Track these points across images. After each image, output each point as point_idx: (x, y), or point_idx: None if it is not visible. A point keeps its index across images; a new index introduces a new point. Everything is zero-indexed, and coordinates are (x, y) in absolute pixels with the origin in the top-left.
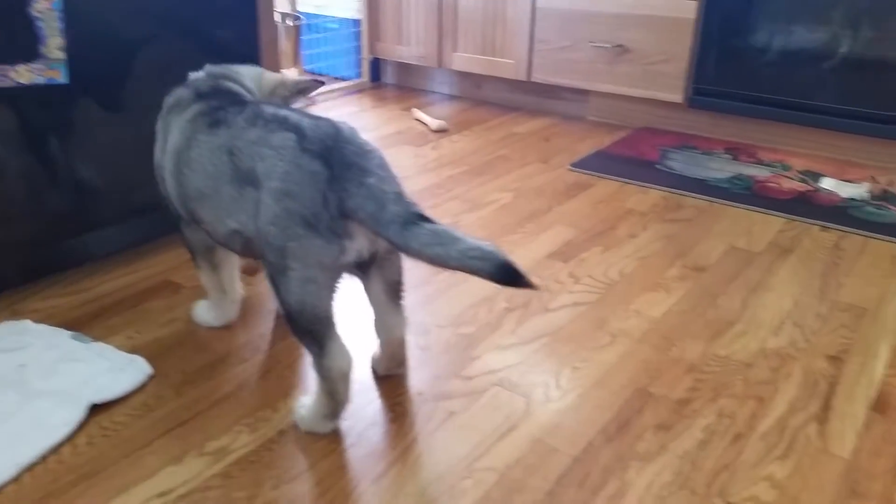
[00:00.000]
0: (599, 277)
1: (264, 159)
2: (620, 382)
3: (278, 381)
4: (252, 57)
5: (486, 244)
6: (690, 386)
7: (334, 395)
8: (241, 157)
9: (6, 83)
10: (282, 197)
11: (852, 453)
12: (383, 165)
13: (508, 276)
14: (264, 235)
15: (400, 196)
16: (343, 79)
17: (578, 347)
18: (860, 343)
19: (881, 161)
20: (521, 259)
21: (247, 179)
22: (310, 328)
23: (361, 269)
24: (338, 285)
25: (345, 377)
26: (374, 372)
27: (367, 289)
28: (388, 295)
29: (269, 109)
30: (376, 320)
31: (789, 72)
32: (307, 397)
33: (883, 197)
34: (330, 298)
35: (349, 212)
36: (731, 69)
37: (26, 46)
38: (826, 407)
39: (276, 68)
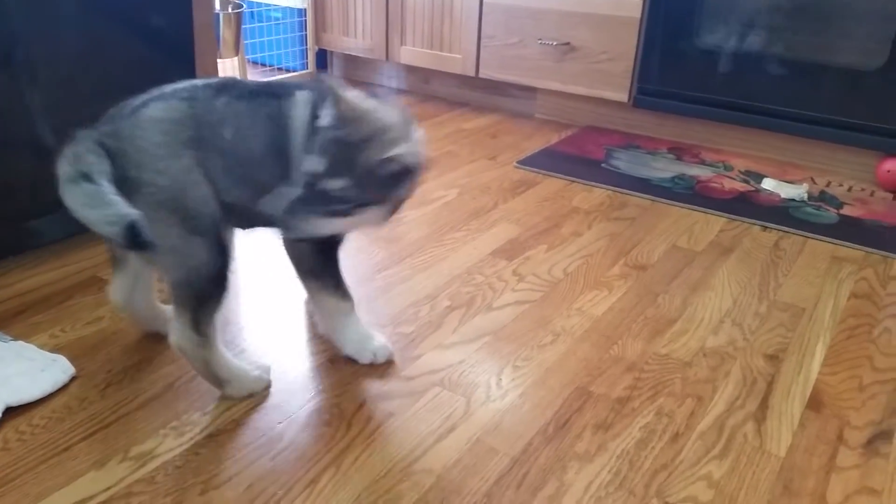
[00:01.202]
0: (543, 276)
1: None
2: (561, 381)
3: (207, 383)
4: (186, 45)
5: (128, 211)
6: (630, 384)
7: None
8: None
9: None
10: None
11: (788, 451)
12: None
13: (134, 239)
14: None
15: (77, 155)
16: (288, 70)
17: (520, 346)
18: (797, 342)
19: (820, 163)
20: (465, 257)
21: None
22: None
23: None
24: None
25: None
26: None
27: None
28: None
29: None
30: None
31: (733, 73)
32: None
33: (821, 198)
34: None
35: None
36: (676, 70)
37: None
38: (763, 406)
39: (212, 57)
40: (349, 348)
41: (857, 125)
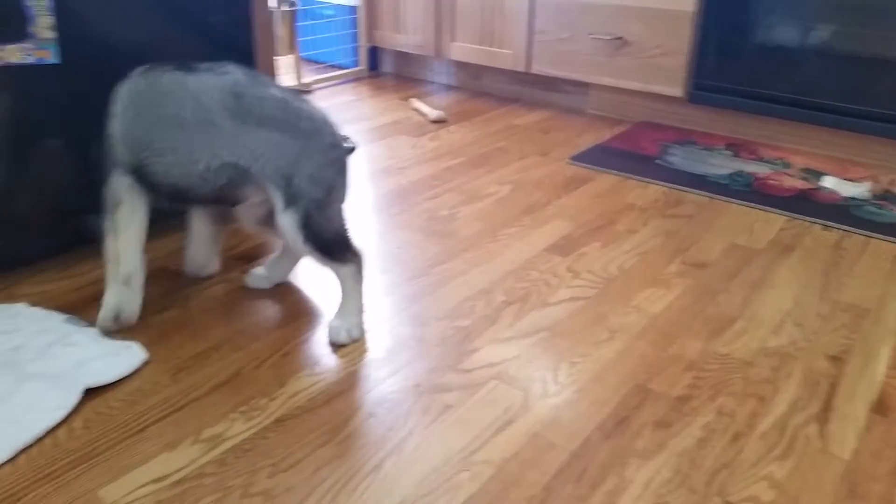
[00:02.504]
0: (599, 272)
1: None
2: (619, 378)
3: (273, 369)
4: (245, 41)
5: None
6: (690, 383)
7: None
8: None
9: None
10: None
11: (852, 454)
12: None
13: None
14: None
15: None
16: (340, 67)
17: (577, 342)
18: (861, 343)
19: (883, 160)
20: (519, 253)
21: None
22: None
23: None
24: None
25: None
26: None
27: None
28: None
29: None
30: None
31: (792, 68)
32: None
33: (884, 196)
34: None
35: None
36: (733, 64)
37: (16, 27)
38: (827, 407)
39: (270, 54)
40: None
41: None
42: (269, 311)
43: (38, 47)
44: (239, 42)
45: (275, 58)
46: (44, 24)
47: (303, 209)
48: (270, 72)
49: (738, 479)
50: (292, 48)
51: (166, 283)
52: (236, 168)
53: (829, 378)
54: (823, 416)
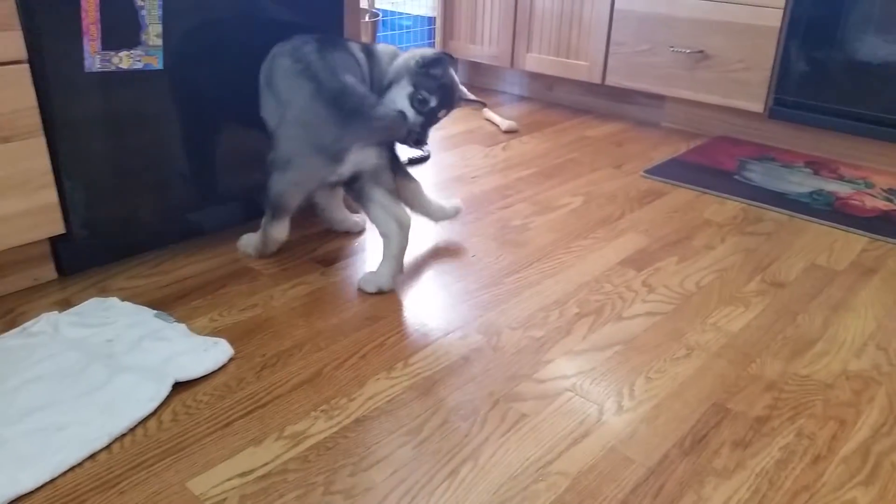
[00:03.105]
0: (675, 288)
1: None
2: (697, 396)
3: (352, 370)
4: None
5: None
6: (769, 404)
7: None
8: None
9: (109, 67)
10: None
11: None
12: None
13: None
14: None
15: None
16: None
17: (653, 358)
18: None
19: None
20: (593, 265)
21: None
22: (275, 208)
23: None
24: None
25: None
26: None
27: (364, 197)
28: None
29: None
30: (381, 216)
31: (875, 85)
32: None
33: None
34: (301, 199)
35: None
36: (815, 80)
37: (129, 33)
38: None
39: None
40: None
41: None
42: (346, 313)
43: (146, 54)
44: None
45: None
46: (153, 32)
47: None
48: None
49: (819, 503)
50: None
51: (250, 282)
52: None
53: None
54: None
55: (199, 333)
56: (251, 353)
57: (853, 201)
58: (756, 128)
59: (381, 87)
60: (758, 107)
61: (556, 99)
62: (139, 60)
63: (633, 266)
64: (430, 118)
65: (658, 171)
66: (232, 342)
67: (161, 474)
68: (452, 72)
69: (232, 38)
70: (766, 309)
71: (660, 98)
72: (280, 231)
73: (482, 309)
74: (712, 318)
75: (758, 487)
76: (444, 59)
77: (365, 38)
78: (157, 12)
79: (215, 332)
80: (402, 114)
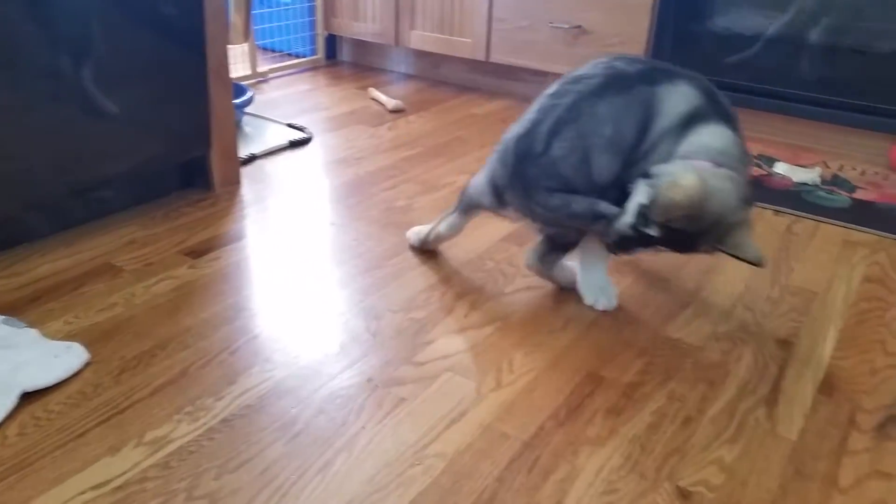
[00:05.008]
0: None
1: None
2: (572, 366)
3: (221, 367)
4: (195, 31)
5: None
6: (641, 369)
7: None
8: None
9: None
10: None
11: (799, 435)
12: None
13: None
14: None
15: None
16: (297, 55)
17: (531, 332)
18: (809, 326)
19: (833, 146)
20: (476, 243)
21: None
22: (459, 200)
23: None
24: None
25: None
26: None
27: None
28: None
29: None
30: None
31: (745, 56)
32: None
33: (833, 182)
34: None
35: None
36: (688, 53)
37: None
38: (775, 390)
39: (223, 43)
40: (583, 287)
41: (871, 108)
42: (216, 307)
43: None
44: (189, 32)
45: (228, 47)
46: None
47: None
48: (223, 62)
49: (688, 464)
50: (247, 36)
51: (110, 280)
52: None
53: (778, 361)
54: (772, 398)
55: (53, 338)
56: (109, 356)
57: None
58: None
59: (654, 152)
60: None
61: (443, 77)
62: None
63: (515, 241)
64: (639, 241)
65: None
66: (88, 346)
67: (2, 495)
68: (717, 219)
69: (78, 14)
70: (639, 276)
71: (543, 74)
72: (446, 226)
73: (363, 294)
74: None
75: (630, 453)
76: (706, 199)
77: (237, 18)
78: None
79: (70, 336)
80: (606, 205)
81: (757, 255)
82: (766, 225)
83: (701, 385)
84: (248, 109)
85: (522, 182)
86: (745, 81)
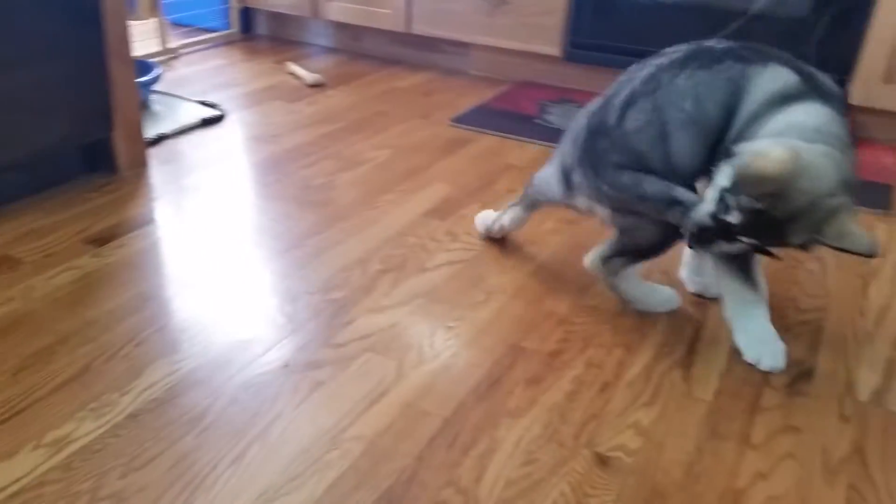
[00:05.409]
0: (477, 234)
1: None
2: (493, 339)
3: (126, 360)
4: (92, 5)
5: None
6: (561, 338)
7: None
8: None
9: None
10: None
11: (714, 395)
12: None
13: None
14: None
15: None
16: (210, 30)
17: (453, 307)
18: None
19: None
20: (398, 219)
21: None
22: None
23: None
24: None
25: None
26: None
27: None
28: None
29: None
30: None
31: (662, 23)
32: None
33: None
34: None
35: None
36: (607, 22)
37: None
38: (691, 351)
39: (122, 18)
40: (741, 341)
41: None
42: (122, 297)
43: None
44: (85, 7)
45: (133, 23)
46: None
47: None
48: (123, 39)
49: (606, 429)
50: (154, 11)
51: (7, 273)
52: None
53: (693, 322)
54: (688, 360)
55: None
56: (6, 354)
57: None
58: (556, 71)
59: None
60: (555, 50)
61: (364, 50)
62: None
63: (436, 216)
64: (720, 233)
65: (464, 120)
66: None
67: None
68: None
69: None
70: (560, 246)
71: (465, 46)
72: (510, 219)
73: (279, 276)
74: (511, 260)
75: (549, 421)
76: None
77: None
78: None
79: None
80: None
81: (869, 246)
82: None
83: (618, 350)
84: (156, 87)
85: (591, 158)
86: (661, 48)
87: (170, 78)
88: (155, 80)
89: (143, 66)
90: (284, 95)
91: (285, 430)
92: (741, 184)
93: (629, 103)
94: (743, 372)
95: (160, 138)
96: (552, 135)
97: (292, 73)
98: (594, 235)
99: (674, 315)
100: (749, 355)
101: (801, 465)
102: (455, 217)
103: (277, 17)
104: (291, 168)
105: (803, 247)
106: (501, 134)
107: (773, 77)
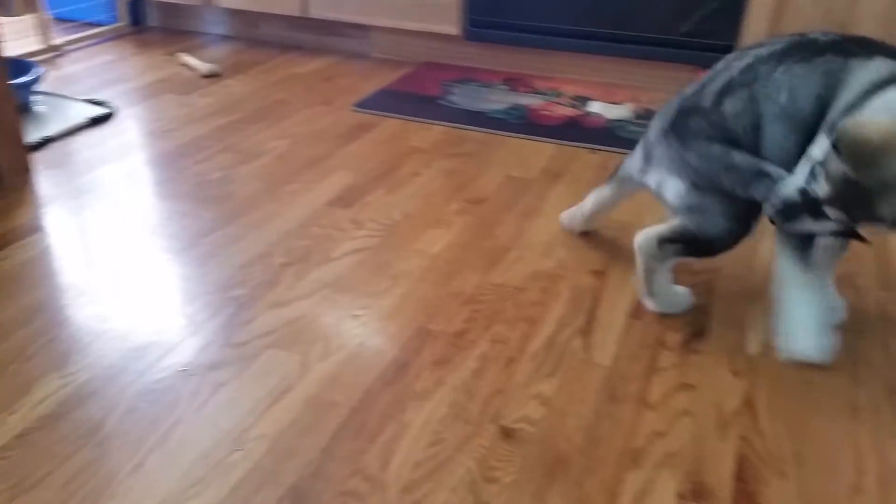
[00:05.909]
0: (382, 220)
1: None
2: (400, 325)
3: (13, 378)
4: None
5: None
6: (467, 317)
7: None
8: None
9: None
10: None
11: (613, 360)
12: None
13: None
14: None
15: None
16: (98, 24)
17: (359, 295)
18: (621, 255)
19: (643, 82)
20: (300, 210)
21: None
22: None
23: None
24: None
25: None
26: None
27: None
28: None
29: None
30: None
31: (556, 0)
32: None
33: (645, 115)
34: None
35: None
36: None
37: None
38: (590, 319)
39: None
40: (786, 328)
41: (676, 41)
42: (9, 311)
43: None
44: None
45: (7, 19)
46: None
47: None
48: None
49: (510, 403)
50: (33, 6)
51: None
52: None
53: (592, 292)
54: (587, 328)
55: None
56: None
57: (544, 112)
58: (457, 51)
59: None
60: (454, 30)
61: (262, 37)
62: None
63: (340, 205)
64: (808, 209)
65: (367, 104)
66: None
67: None
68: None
69: None
70: (465, 227)
71: (365, 28)
72: (592, 200)
73: (178, 277)
74: (416, 244)
75: (455, 400)
76: None
77: None
78: None
79: None
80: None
81: None
82: (581, 164)
83: (522, 324)
84: (39, 88)
85: (680, 132)
86: (559, 24)
87: (55, 77)
88: (36, 80)
89: (22, 65)
90: (177, 88)
91: (185, 434)
92: (839, 147)
93: (726, 91)
94: (640, 335)
95: (45, 141)
96: (456, 115)
97: (185, 65)
98: (497, 214)
99: (575, 286)
100: (796, 344)
101: (696, 421)
102: (359, 204)
103: (169, 8)
104: (186, 163)
105: (893, 223)
106: (405, 117)
107: (877, 68)
